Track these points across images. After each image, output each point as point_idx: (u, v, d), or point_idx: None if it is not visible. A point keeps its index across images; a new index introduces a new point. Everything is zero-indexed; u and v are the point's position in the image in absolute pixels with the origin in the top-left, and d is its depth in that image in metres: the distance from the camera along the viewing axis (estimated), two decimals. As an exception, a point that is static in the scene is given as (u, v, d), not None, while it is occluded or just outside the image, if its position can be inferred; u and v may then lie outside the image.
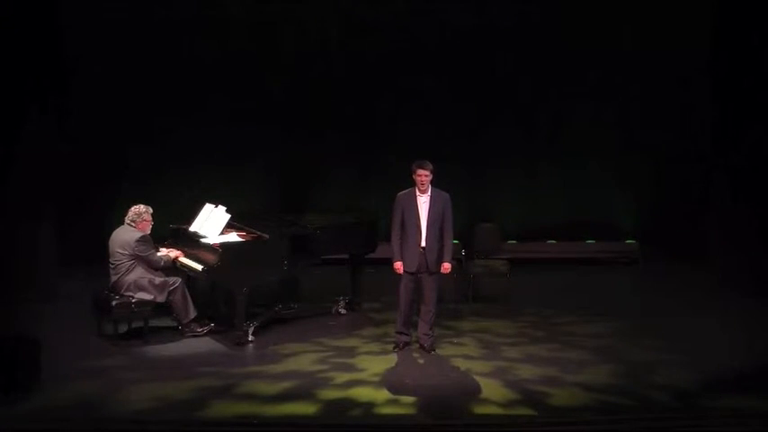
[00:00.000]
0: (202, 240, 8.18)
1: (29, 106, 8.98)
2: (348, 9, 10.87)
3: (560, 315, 8.87)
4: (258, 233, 8.21)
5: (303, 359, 7.50)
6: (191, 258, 8.17)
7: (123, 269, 7.89)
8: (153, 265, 8.00)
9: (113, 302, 7.79)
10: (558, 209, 11.22)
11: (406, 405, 6.50)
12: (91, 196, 10.42)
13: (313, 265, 8.64)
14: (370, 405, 6.46)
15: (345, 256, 9.01)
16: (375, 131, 11.11)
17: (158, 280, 7.97)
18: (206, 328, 8.11)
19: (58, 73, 9.56)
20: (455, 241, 7.80)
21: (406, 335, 7.78)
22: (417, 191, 7.52)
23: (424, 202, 7.50)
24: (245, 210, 8.86)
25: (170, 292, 7.95)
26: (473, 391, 6.78)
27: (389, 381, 6.99)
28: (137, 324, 7.94)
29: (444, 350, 7.77)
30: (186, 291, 8.03)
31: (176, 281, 8.02)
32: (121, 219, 8.07)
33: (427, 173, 7.47)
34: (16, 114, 8.87)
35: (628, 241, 11.36)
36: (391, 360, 7.53)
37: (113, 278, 7.92)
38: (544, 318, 8.80)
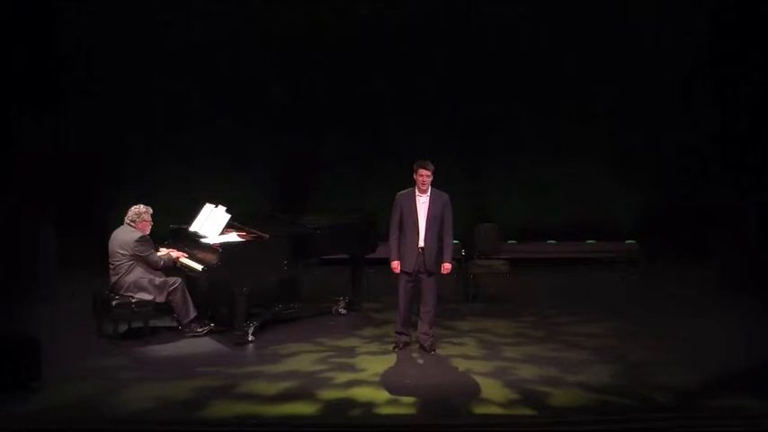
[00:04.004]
0: (202, 240, 8.19)
1: (29, 107, 8.98)
2: (347, 8, 10.87)
3: (560, 315, 8.88)
4: (258, 233, 8.22)
5: (303, 359, 7.50)
6: (191, 258, 8.17)
7: (123, 269, 7.89)
8: (153, 266, 8.00)
9: (113, 303, 7.79)
10: (558, 209, 11.21)
11: (406, 405, 6.50)
12: (91, 196, 10.42)
13: (313, 265, 8.64)
14: (370, 405, 6.46)
15: (345, 256, 9.02)
16: (375, 131, 11.11)
17: (158, 280, 7.97)
18: (206, 328, 8.11)
19: (58, 73, 9.55)
20: (455, 241, 7.80)
21: (406, 335, 7.78)
22: (417, 191, 7.52)
23: (423, 203, 7.50)
24: (245, 210, 8.86)
25: (170, 293, 7.96)
26: (473, 391, 6.78)
27: (389, 381, 6.99)
28: (137, 324, 7.94)
29: (444, 350, 7.77)
30: (186, 291, 8.03)
31: (176, 281, 8.02)
32: (121, 219, 8.08)
33: (429, 173, 7.47)
34: (16, 115, 8.87)
35: (628, 241, 11.36)
36: (391, 360, 7.53)
37: (113, 278, 7.92)
38: (544, 318, 8.80)
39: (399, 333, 7.78)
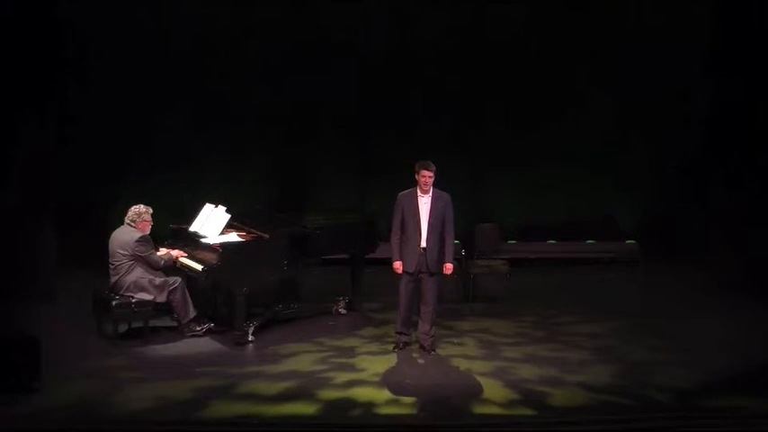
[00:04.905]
0: (202, 240, 8.19)
1: (29, 107, 8.98)
2: (348, 9, 10.86)
3: (560, 315, 8.88)
4: (258, 233, 8.22)
5: (303, 359, 7.51)
6: (191, 258, 8.17)
7: (123, 269, 7.88)
8: (153, 266, 8.00)
9: (113, 303, 7.79)
10: (558, 209, 11.21)
11: (406, 405, 6.50)
12: (91, 196, 10.42)
13: (313, 265, 8.64)
14: (370, 405, 6.46)
15: (345, 256, 9.01)
16: (375, 131, 11.10)
17: (158, 280, 7.97)
18: (206, 328, 8.11)
19: (58, 73, 9.54)
20: (455, 241, 7.80)
21: (406, 335, 7.78)
22: (419, 191, 7.52)
23: (425, 203, 7.50)
24: (245, 210, 8.86)
25: (170, 292, 7.95)
26: (473, 391, 6.78)
27: (389, 381, 6.99)
28: (137, 324, 7.94)
29: (444, 350, 7.77)
30: (186, 291, 8.03)
31: (176, 281, 8.02)
32: (121, 219, 8.07)
33: (431, 173, 7.47)
34: (16, 115, 8.87)
35: (628, 241, 11.36)
36: (391, 360, 7.54)
37: (113, 278, 7.92)
38: (544, 318, 8.80)
39: (399, 333, 7.78)
